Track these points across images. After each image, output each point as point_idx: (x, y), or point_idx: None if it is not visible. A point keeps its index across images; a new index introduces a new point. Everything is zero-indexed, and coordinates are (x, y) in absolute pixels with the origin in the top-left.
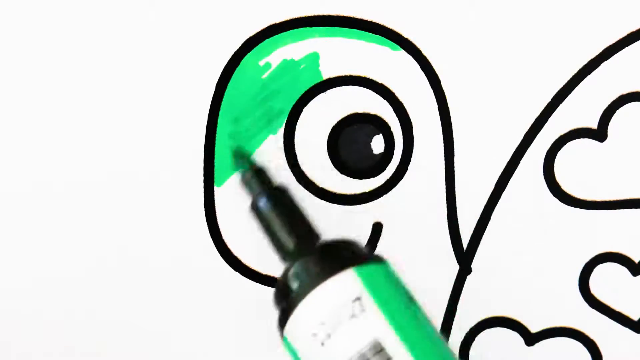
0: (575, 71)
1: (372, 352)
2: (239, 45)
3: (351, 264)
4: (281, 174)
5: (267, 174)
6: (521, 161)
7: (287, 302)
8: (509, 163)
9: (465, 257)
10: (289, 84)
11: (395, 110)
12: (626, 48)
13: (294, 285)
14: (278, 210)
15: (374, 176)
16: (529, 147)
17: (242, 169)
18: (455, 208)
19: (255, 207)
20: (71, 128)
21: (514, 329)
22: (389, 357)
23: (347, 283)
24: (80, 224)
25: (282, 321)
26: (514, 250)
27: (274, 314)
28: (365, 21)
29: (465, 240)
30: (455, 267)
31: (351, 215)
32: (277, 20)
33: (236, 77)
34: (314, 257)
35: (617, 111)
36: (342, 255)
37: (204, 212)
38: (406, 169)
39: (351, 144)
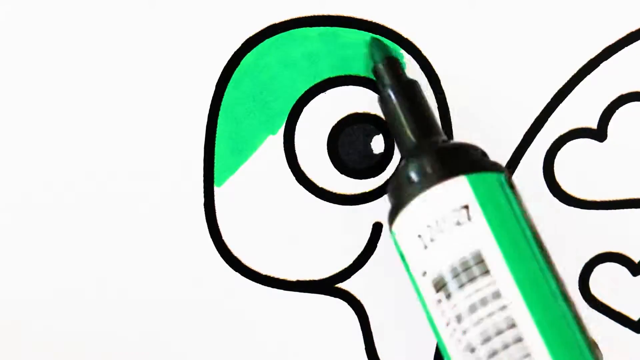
0: (575, 71)
1: (473, 262)
2: (239, 45)
3: (464, 170)
4: (281, 174)
5: (400, 67)
6: (521, 161)
7: (398, 198)
8: (509, 163)
9: None
10: (289, 84)
11: None
12: (626, 48)
13: (407, 182)
14: (405, 104)
15: (374, 176)
16: (528, 147)
17: (376, 59)
18: None
19: (383, 99)
20: (71, 128)
21: None
22: (488, 269)
23: (457, 189)
24: (79, 223)
25: (392, 216)
26: None
27: (274, 314)
28: (365, 21)
29: None
30: None
31: (351, 215)
32: (277, 20)
33: (236, 77)
34: (431, 158)
35: (617, 111)
36: (458, 160)
37: (204, 212)
38: None
39: (351, 144)
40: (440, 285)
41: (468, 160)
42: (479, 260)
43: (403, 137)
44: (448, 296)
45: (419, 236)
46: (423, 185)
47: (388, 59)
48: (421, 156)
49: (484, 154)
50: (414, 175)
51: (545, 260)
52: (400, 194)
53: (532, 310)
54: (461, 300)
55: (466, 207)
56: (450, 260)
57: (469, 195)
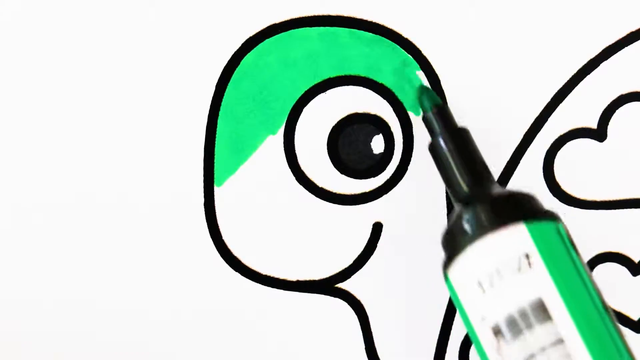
0: (575, 71)
1: (533, 309)
2: (239, 45)
3: (523, 218)
4: (281, 174)
5: (450, 114)
6: (521, 161)
7: (455, 244)
8: (509, 163)
9: None
10: (289, 84)
11: (395, 110)
12: (626, 48)
13: (464, 230)
14: (457, 153)
15: (374, 176)
16: (528, 147)
17: (426, 107)
18: None
19: (434, 147)
20: (71, 128)
21: None
22: (550, 317)
23: (518, 237)
24: (79, 223)
25: (448, 263)
26: None
27: (274, 314)
28: (365, 21)
29: None
30: None
31: (351, 215)
32: (277, 20)
33: (236, 77)
34: (488, 205)
35: (617, 111)
36: (516, 208)
37: (204, 212)
38: (406, 169)
39: (351, 144)
40: (499, 331)
41: (526, 209)
42: (540, 308)
43: (456, 185)
44: (508, 342)
45: (478, 282)
46: (482, 232)
47: (437, 107)
48: (478, 204)
49: (538, 202)
50: (471, 223)
51: (603, 307)
52: (457, 241)
53: (593, 355)
54: (522, 347)
55: (527, 255)
56: (510, 306)
57: (529, 243)
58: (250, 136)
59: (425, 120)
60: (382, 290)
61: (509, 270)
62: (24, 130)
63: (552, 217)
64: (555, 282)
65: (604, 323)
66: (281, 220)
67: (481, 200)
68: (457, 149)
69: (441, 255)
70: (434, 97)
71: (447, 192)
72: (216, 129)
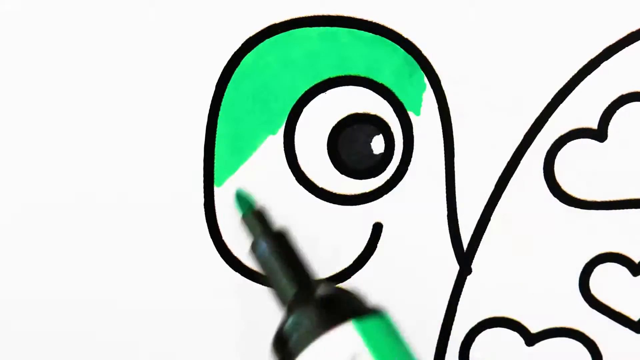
0: (575, 71)
1: None
2: (239, 45)
3: (350, 317)
4: (281, 174)
5: (268, 218)
6: (521, 161)
7: (284, 353)
8: (509, 163)
9: (465, 257)
10: (289, 84)
11: (395, 110)
12: (626, 48)
13: (292, 336)
14: (277, 256)
15: (374, 176)
16: (529, 147)
17: (243, 211)
18: (455, 208)
19: (255, 251)
20: (71, 128)
21: (514, 329)
22: None
23: (346, 338)
24: (79, 223)
25: None
26: (514, 250)
27: (274, 314)
28: (365, 21)
29: (465, 240)
30: (455, 267)
31: (351, 215)
32: (277, 20)
33: (236, 77)
34: (313, 308)
35: (617, 111)
36: (341, 308)
37: (204, 212)
38: (406, 169)
39: (351, 144)
40: None
41: (353, 306)
42: None
43: (280, 289)
44: None
45: None
46: (311, 336)
47: (255, 211)
48: (304, 307)
49: (363, 299)
50: (299, 328)
51: None
52: (286, 349)
53: None
54: None
55: (357, 355)
56: None
57: (358, 342)
58: (250, 136)
59: (244, 223)
60: (382, 290)
61: None
62: (24, 131)
63: (376, 312)
64: None
65: None
66: (281, 220)
67: (307, 303)
68: (278, 253)
69: (442, 253)
70: (251, 201)
71: (447, 192)
72: (216, 129)
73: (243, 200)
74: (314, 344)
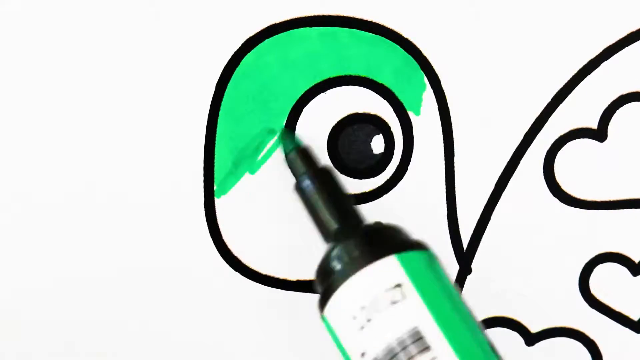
0: (575, 71)
1: (411, 339)
2: (239, 45)
3: (394, 250)
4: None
5: (312, 155)
6: (521, 161)
7: (328, 283)
8: (509, 163)
9: (465, 257)
10: (289, 84)
11: (395, 110)
12: (626, 48)
13: (336, 267)
14: (322, 192)
15: (374, 176)
16: (529, 147)
17: (287, 149)
18: (455, 208)
19: (299, 188)
20: (71, 128)
21: (514, 329)
22: (428, 345)
23: (388, 269)
24: (79, 225)
25: (323, 302)
26: (514, 250)
27: (274, 314)
28: (365, 21)
29: (465, 240)
30: (455, 267)
31: None
32: (277, 20)
33: (236, 77)
34: (357, 241)
35: (617, 111)
36: (385, 241)
37: (204, 212)
38: (406, 169)
39: (351, 144)
40: None
41: (395, 241)
42: (418, 337)
43: (324, 224)
44: None
45: (354, 318)
46: (353, 267)
47: (299, 148)
48: (348, 240)
49: (407, 233)
50: (344, 259)
51: (476, 325)
52: (330, 278)
53: None
54: None
55: (399, 285)
56: (389, 338)
57: (400, 274)
58: (250, 136)
59: (288, 161)
60: None
61: (383, 303)
62: (25, 131)
63: (421, 246)
64: (430, 310)
65: (480, 345)
66: (281, 220)
67: (350, 236)
68: (322, 188)
69: (442, 253)
70: (295, 139)
71: (447, 192)
72: (216, 129)
73: (287, 138)
74: (357, 274)
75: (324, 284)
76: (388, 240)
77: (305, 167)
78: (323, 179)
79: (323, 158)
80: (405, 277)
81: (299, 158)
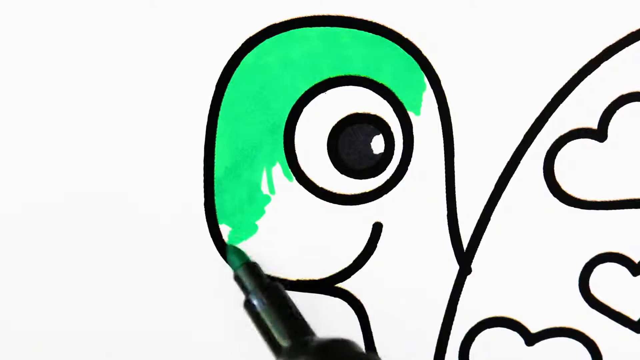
0: (575, 71)
1: None
2: (239, 45)
3: None
4: (281, 174)
5: (260, 271)
6: (521, 161)
7: None
8: (509, 163)
9: (465, 257)
10: (289, 84)
11: (395, 110)
12: (626, 48)
13: None
14: (271, 308)
15: (374, 176)
16: (529, 147)
17: (235, 266)
18: (455, 208)
19: (249, 305)
20: (72, 128)
21: (514, 329)
22: None
23: None
24: (80, 223)
25: None
26: (514, 250)
27: None
28: (365, 21)
29: (465, 240)
30: (455, 267)
31: (351, 215)
32: (277, 20)
33: (236, 77)
34: (308, 358)
35: (617, 111)
36: (335, 356)
37: (204, 212)
38: (406, 169)
39: (351, 144)
40: None
41: (345, 356)
42: None
43: (275, 341)
44: None
45: None
46: None
47: (247, 264)
48: (299, 358)
49: (356, 346)
50: None
51: None
52: None
53: None
54: None
55: None
56: None
57: None
58: (250, 136)
59: (236, 277)
60: (382, 290)
61: None
62: (25, 130)
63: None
64: None
65: None
66: (281, 220)
67: (301, 353)
68: (271, 305)
69: (442, 253)
70: (243, 254)
71: (447, 192)
72: (216, 129)
73: (234, 255)
74: None
75: None
76: (338, 356)
77: (253, 284)
78: (272, 295)
79: (323, 158)
80: None
81: (246, 274)
